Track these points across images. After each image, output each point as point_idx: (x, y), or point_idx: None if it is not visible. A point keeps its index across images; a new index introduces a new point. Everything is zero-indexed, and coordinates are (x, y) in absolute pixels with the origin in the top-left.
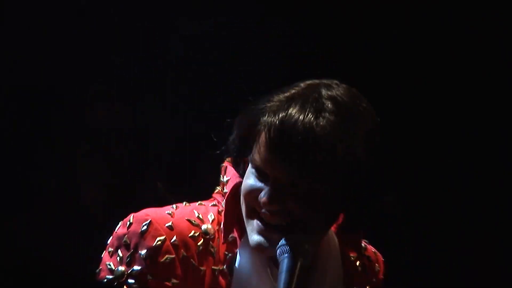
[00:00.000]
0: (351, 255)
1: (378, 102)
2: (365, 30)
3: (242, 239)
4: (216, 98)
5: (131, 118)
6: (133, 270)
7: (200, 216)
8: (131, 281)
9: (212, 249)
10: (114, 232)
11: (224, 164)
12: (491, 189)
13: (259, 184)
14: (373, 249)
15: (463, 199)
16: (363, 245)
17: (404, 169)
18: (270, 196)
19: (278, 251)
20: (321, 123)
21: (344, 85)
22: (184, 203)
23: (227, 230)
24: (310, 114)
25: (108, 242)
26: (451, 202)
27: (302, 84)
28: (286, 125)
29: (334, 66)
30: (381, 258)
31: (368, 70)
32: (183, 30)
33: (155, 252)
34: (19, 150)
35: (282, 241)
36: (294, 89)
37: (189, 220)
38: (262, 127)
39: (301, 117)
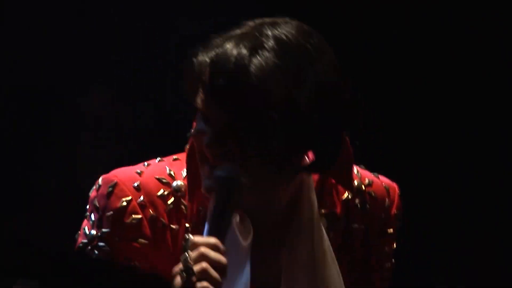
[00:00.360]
0: (346, 194)
1: (378, 102)
2: (365, 30)
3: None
4: None
5: (131, 117)
6: (102, 232)
7: (172, 173)
8: (101, 243)
9: (183, 207)
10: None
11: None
12: (491, 189)
13: (205, 128)
14: (385, 182)
15: (463, 199)
16: (367, 180)
17: (403, 169)
18: (210, 139)
19: (216, 180)
20: (256, 61)
21: (294, 22)
22: (158, 159)
23: (192, 185)
24: (245, 51)
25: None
26: (451, 202)
27: (250, 23)
28: (217, 62)
29: None
30: (394, 191)
31: (368, 70)
32: (183, 30)
33: (120, 213)
34: (19, 150)
35: (219, 173)
36: (238, 28)
37: (158, 179)
38: (198, 67)
39: (234, 54)
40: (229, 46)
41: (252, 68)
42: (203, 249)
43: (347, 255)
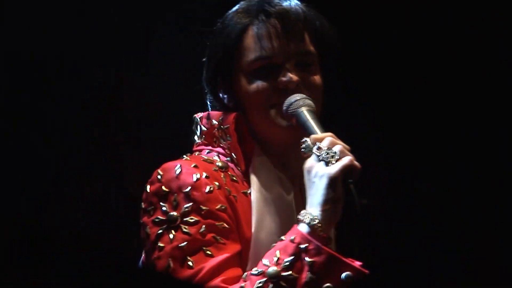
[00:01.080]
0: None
1: (378, 101)
2: (365, 30)
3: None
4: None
5: (136, 117)
6: (185, 208)
7: (208, 158)
8: (186, 218)
9: (234, 177)
10: (145, 193)
11: (197, 117)
12: (491, 189)
13: (266, 80)
14: None
15: (464, 199)
16: None
17: (402, 169)
18: (290, 72)
19: (292, 106)
20: (303, 6)
21: None
22: (188, 154)
23: (243, 153)
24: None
25: (143, 206)
26: (451, 202)
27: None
28: (275, 9)
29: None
30: None
31: (368, 70)
32: (183, 29)
33: (198, 185)
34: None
35: (293, 99)
36: (234, 10)
37: (205, 160)
38: (247, 30)
39: (273, 2)
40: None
41: (305, 8)
42: (332, 138)
43: None
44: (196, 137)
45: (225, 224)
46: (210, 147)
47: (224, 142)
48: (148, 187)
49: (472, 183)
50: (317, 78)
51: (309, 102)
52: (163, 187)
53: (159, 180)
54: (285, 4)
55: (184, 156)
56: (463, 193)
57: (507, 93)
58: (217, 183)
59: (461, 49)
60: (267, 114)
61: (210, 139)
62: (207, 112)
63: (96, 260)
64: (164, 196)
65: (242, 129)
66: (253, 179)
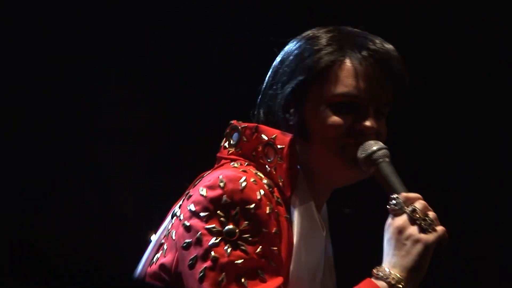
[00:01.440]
0: None
1: None
2: (365, 30)
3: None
4: (219, 98)
5: (141, 118)
6: (245, 225)
7: (257, 173)
8: (245, 236)
9: (279, 200)
10: (201, 197)
11: (238, 126)
12: (491, 189)
13: (345, 117)
14: None
15: (464, 199)
16: None
17: (403, 170)
18: (371, 117)
19: (375, 154)
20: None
21: None
22: (233, 163)
23: (292, 179)
24: (378, 41)
25: (193, 209)
26: (451, 203)
27: (322, 30)
28: (374, 49)
29: None
30: None
31: None
32: (184, 30)
33: (261, 204)
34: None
35: (371, 148)
36: (327, 33)
37: (256, 174)
38: (341, 60)
39: (375, 42)
40: (364, 38)
41: (396, 53)
42: (423, 202)
43: None
44: (227, 144)
45: (277, 250)
46: (247, 160)
47: (269, 161)
48: (205, 190)
49: (472, 183)
50: (385, 129)
51: (388, 153)
52: (225, 197)
53: (221, 188)
54: (392, 52)
55: (236, 164)
56: (463, 193)
57: (507, 93)
58: (271, 204)
59: (461, 50)
60: (336, 151)
61: (249, 152)
62: (256, 124)
63: (90, 266)
64: (224, 206)
65: (293, 154)
66: (295, 208)
